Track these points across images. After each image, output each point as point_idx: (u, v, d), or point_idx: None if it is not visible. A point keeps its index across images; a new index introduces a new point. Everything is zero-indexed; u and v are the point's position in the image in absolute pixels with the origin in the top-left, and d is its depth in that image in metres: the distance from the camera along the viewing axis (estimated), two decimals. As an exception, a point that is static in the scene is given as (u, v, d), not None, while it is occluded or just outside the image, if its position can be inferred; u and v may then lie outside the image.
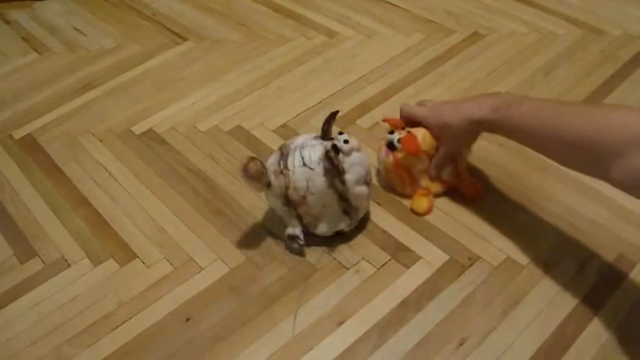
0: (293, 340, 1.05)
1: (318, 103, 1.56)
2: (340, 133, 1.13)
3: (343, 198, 1.12)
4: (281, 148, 1.15)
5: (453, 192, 1.26)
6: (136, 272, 1.18)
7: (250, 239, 1.22)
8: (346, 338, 1.04)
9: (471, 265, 1.14)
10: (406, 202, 1.27)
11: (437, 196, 1.26)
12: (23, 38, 1.96)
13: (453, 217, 1.24)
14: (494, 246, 1.17)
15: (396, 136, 1.22)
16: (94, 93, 1.68)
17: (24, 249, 1.25)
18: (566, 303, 1.07)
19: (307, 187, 1.10)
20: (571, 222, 1.21)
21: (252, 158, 1.12)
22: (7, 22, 2.06)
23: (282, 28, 1.90)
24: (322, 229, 1.17)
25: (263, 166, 1.12)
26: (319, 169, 1.09)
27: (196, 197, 1.32)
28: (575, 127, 0.95)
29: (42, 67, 1.82)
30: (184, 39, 1.88)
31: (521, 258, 1.15)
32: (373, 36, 1.82)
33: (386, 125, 1.27)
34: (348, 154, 1.10)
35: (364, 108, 1.53)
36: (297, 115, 1.53)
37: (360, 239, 1.21)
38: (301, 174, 1.10)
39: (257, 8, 2.01)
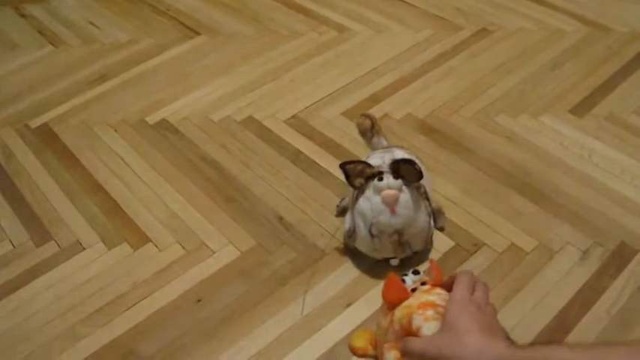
0: (302, 320, 1.07)
1: (329, 95, 1.59)
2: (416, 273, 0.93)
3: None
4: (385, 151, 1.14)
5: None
6: (150, 255, 1.21)
7: (261, 225, 1.25)
8: (354, 319, 1.07)
9: (476, 251, 1.17)
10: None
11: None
12: (39, 31, 1.99)
13: (458, 205, 1.26)
14: (498, 233, 1.20)
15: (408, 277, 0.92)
16: (108, 84, 1.71)
17: (40, 233, 1.28)
18: (569, 289, 1.09)
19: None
20: (574, 211, 1.23)
21: (365, 115, 1.24)
22: (23, 16, 2.09)
23: (294, 23, 1.92)
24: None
25: (373, 124, 1.22)
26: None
27: (209, 184, 1.35)
28: None
29: (57, 60, 1.85)
30: (198, 33, 1.91)
31: (526, 245, 1.17)
32: (383, 31, 1.85)
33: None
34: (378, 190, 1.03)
35: (374, 100, 1.56)
36: (307, 107, 1.55)
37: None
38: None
39: (269, 4, 2.04)
